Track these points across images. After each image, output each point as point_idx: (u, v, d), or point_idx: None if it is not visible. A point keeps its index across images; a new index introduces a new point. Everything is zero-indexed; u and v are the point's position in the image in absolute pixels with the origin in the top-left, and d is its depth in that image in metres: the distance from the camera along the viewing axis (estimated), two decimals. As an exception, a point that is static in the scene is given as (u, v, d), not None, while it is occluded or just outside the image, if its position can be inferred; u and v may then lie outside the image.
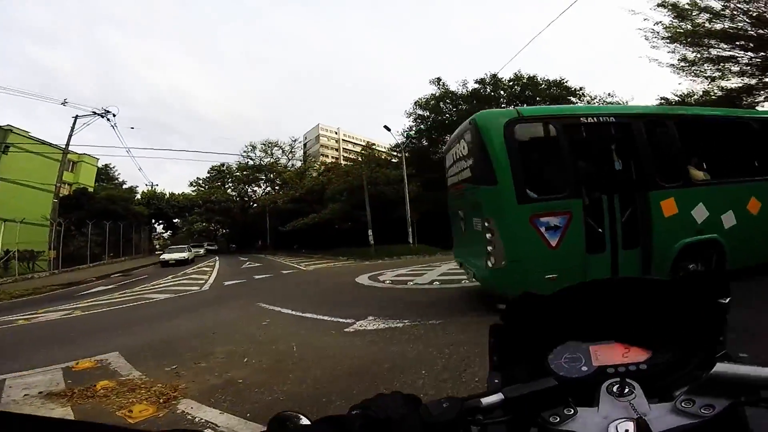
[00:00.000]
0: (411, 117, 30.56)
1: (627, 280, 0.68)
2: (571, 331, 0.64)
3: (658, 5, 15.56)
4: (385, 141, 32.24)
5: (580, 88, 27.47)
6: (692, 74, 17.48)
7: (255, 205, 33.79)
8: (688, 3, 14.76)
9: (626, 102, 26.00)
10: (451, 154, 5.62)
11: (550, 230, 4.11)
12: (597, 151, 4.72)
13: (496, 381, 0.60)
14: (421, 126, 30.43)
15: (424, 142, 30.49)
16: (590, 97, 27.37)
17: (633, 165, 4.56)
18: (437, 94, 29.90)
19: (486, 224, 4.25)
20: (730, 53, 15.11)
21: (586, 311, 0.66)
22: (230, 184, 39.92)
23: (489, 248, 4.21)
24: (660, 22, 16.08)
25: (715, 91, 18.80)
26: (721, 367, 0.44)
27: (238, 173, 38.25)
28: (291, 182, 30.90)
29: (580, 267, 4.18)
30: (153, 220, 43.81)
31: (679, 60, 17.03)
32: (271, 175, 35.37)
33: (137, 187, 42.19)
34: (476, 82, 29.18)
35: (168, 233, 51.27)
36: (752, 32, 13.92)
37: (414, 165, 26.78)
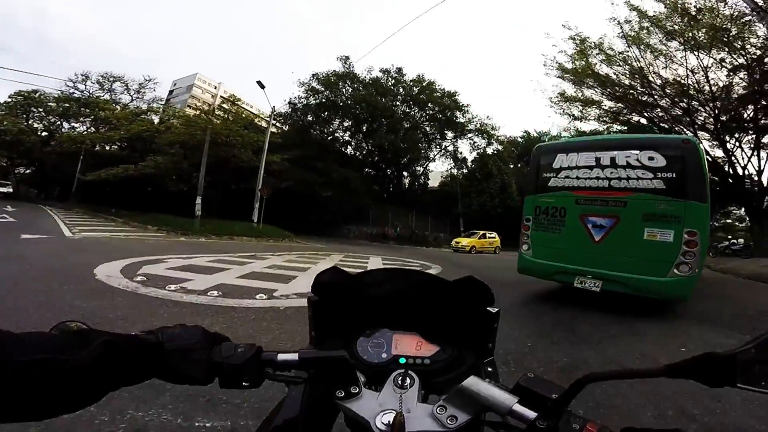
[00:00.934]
0: (304, 87, 27.13)
1: (418, 274, 0.67)
2: (385, 317, 0.63)
3: (570, 38, 15.85)
4: (267, 107, 27.61)
5: (467, 105, 28.25)
6: (561, 110, 18.46)
7: (64, 144, 24.03)
8: (595, 42, 15.17)
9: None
10: (598, 157, 5.48)
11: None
12: None
13: None
14: (312, 100, 27.10)
15: (310, 118, 27.01)
16: (472, 115, 28.47)
17: None
18: (340, 72, 27.27)
19: (686, 236, 4.73)
20: (599, 98, 16.07)
21: (396, 300, 0.64)
22: (37, 116, 28.61)
23: (684, 258, 4.70)
24: (564, 51, 16.43)
25: (572, 131, 20.58)
26: (468, 381, 0.45)
27: (53, 104, 27.73)
28: (120, 124, 23.21)
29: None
30: None
31: (558, 93, 17.70)
32: (102, 114, 26.37)
33: None
34: (381, 71, 27.90)
35: None
36: (627, 81, 14.82)
37: (291, 138, 23.51)
